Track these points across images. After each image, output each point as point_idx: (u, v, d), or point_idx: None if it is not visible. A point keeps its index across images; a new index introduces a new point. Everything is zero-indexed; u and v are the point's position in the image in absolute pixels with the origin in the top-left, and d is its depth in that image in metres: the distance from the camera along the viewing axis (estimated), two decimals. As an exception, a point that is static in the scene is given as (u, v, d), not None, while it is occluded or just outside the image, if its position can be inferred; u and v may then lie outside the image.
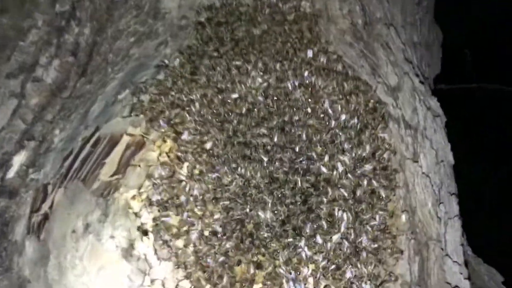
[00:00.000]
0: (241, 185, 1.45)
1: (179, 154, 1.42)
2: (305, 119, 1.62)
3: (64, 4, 2.00)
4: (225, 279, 1.29)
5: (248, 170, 1.49)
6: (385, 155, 1.61)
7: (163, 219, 1.32)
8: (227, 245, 1.35)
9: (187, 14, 1.89)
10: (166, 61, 1.66)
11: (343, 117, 1.62)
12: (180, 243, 1.30)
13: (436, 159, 1.87)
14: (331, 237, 1.44)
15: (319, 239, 1.44)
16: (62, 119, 1.78)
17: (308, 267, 1.40)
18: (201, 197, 1.38)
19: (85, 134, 1.58)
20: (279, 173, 1.52)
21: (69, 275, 1.30)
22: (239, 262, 1.35)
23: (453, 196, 1.90)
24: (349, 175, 1.53)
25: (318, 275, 1.40)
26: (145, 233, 1.30)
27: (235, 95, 1.60)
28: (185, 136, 1.45)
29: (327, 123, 1.62)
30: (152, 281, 1.27)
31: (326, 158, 1.55)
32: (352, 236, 1.46)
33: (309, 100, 1.65)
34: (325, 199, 1.50)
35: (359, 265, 1.42)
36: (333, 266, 1.41)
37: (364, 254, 1.44)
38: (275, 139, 1.57)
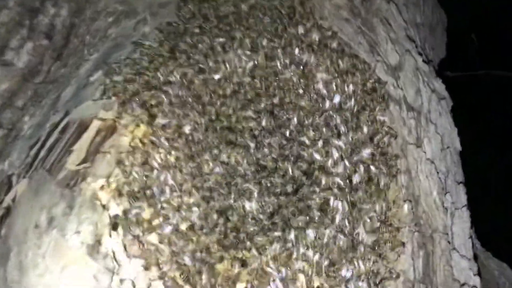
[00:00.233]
0: (224, 173, 1.31)
1: (153, 139, 1.27)
2: (296, 100, 1.47)
3: (38, -17, 1.86)
4: (204, 279, 1.14)
5: (232, 156, 1.34)
6: (385, 139, 1.45)
7: (134, 211, 1.17)
8: (207, 240, 1.20)
9: (168, -10, 1.74)
10: (143, 40, 1.51)
11: (338, 98, 1.47)
12: (153, 238, 1.16)
13: (441, 145, 1.72)
14: (324, 230, 1.29)
15: (311, 233, 1.29)
16: (33, 105, 1.64)
17: (299, 263, 1.26)
18: (177, 187, 1.23)
19: (54, 119, 1.43)
20: (268, 160, 1.38)
21: (30, 275, 1.16)
22: (221, 259, 1.21)
23: (460, 185, 1.74)
24: (345, 161, 1.38)
25: (310, 273, 1.25)
26: (113, 227, 1.15)
27: (218, 76, 1.45)
28: (160, 119, 1.30)
29: (321, 105, 1.46)
30: (121, 281, 1.13)
31: (320, 143, 1.40)
32: (348, 229, 1.31)
33: (301, 80, 1.49)
34: (317, 189, 1.35)
35: (356, 261, 1.27)
36: (326, 262, 1.26)
37: (361, 248, 1.29)
38: (263, 123, 1.42)
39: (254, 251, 1.25)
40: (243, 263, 1.24)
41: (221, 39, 1.49)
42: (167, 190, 1.22)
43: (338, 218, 1.32)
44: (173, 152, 1.26)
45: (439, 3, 2.89)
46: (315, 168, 1.38)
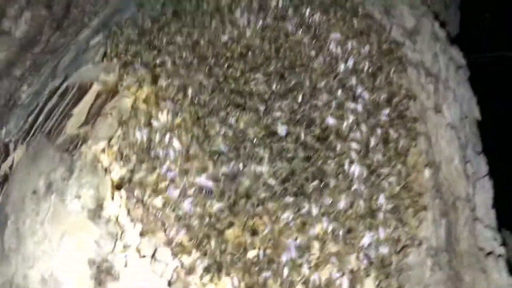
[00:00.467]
0: (232, 137, 1.23)
1: (157, 101, 1.19)
2: (308, 63, 1.39)
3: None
4: (213, 244, 1.07)
5: (241, 120, 1.25)
6: (404, 102, 1.37)
7: (137, 174, 1.10)
8: (216, 206, 1.12)
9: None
10: (146, 1, 1.43)
11: (353, 59, 1.38)
12: (158, 202, 1.08)
13: (460, 113, 1.63)
14: (340, 196, 1.21)
15: (326, 199, 1.21)
16: (31, 75, 1.56)
17: (313, 231, 1.18)
18: (183, 149, 1.15)
19: (53, 85, 1.36)
20: (278, 125, 1.30)
21: (28, 243, 1.09)
22: (230, 225, 1.13)
23: (480, 155, 1.65)
24: (361, 125, 1.30)
25: (326, 240, 1.17)
26: (117, 187, 1.08)
27: (225, 37, 1.37)
28: (164, 80, 1.22)
29: (335, 67, 1.38)
30: (125, 247, 1.06)
31: (334, 106, 1.32)
32: (366, 194, 1.22)
33: (313, 41, 1.41)
34: (332, 154, 1.27)
35: (375, 228, 1.19)
36: (343, 229, 1.18)
37: (381, 214, 1.21)
38: (273, 87, 1.34)
39: (265, 218, 1.17)
40: (254, 231, 1.16)
41: (228, -1, 1.41)
42: (172, 153, 1.14)
43: (355, 183, 1.24)
44: (178, 114, 1.18)
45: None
46: (329, 133, 1.30)
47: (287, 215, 1.18)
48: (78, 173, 1.12)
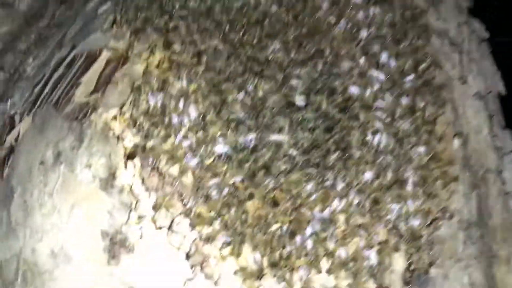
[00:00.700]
0: (251, 104, 1.16)
1: (171, 66, 1.12)
2: (328, 30, 1.32)
3: None
4: (233, 213, 1.00)
5: (259, 88, 1.19)
6: (430, 69, 1.29)
7: (152, 141, 1.03)
8: (235, 176, 1.06)
9: None
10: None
11: (375, 25, 1.31)
12: (174, 170, 1.02)
13: (485, 86, 1.55)
14: (365, 167, 1.14)
15: (350, 170, 1.14)
16: (37, 48, 1.50)
17: (338, 203, 1.11)
18: (199, 117, 1.08)
19: (60, 55, 1.29)
20: (296, 96, 1.22)
21: (35, 216, 1.02)
22: (250, 196, 1.06)
23: (506, 130, 1.58)
24: (386, 93, 1.22)
25: (350, 212, 1.10)
26: (130, 156, 1.01)
27: (240, 3, 1.30)
28: (177, 45, 1.15)
29: (356, 34, 1.31)
30: (140, 217, 0.99)
31: (357, 74, 1.24)
32: (393, 165, 1.16)
33: (332, 7, 1.34)
34: (356, 123, 1.20)
35: (403, 200, 1.12)
36: (369, 202, 1.12)
37: (409, 186, 1.14)
38: (292, 55, 1.27)
39: (287, 190, 1.10)
40: (275, 203, 1.10)
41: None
42: (188, 119, 1.07)
43: (380, 154, 1.17)
44: (193, 80, 1.11)
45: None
46: (352, 102, 1.23)
47: (310, 187, 1.11)
48: (88, 142, 1.05)
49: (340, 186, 1.12)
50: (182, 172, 1.01)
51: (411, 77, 1.23)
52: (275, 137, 1.14)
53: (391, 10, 1.33)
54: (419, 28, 1.37)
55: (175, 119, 1.06)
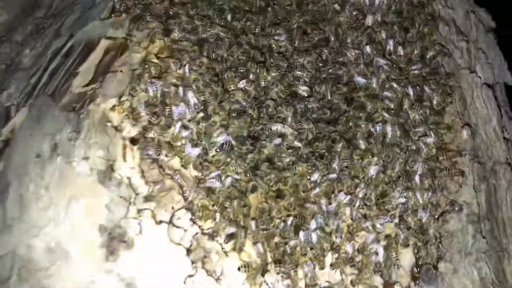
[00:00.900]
0: (254, 94, 1.12)
1: (171, 54, 1.09)
2: (333, 17, 1.28)
3: None
4: (235, 205, 0.96)
5: (261, 77, 1.15)
6: (438, 58, 1.25)
7: (152, 132, 0.99)
8: (238, 168, 1.02)
9: None
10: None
11: (381, 12, 1.27)
12: (175, 162, 0.98)
13: (492, 76, 1.51)
14: (372, 159, 1.11)
15: (357, 161, 1.11)
16: (34, 39, 1.46)
17: (343, 196, 1.07)
18: (200, 106, 1.05)
19: (57, 45, 1.25)
20: (299, 85, 1.19)
21: (32, 210, 0.99)
22: (254, 189, 1.03)
23: (513, 122, 1.53)
24: (393, 83, 1.19)
25: (357, 204, 1.07)
26: (132, 142, 0.98)
27: (242, -11, 1.25)
28: (178, 33, 1.12)
29: (362, 21, 1.27)
30: (139, 211, 0.95)
31: (363, 62, 1.21)
32: (401, 156, 1.12)
33: (337, -7, 1.30)
34: (362, 114, 1.16)
35: (411, 192, 1.08)
36: (375, 193, 1.08)
37: (417, 178, 1.10)
38: (296, 43, 1.23)
39: (291, 182, 1.07)
40: (279, 195, 1.06)
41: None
42: (189, 109, 1.03)
43: (387, 145, 1.13)
44: (194, 68, 1.07)
45: None
46: (358, 91, 1.20)
47: (314, 179, 1.08)
48: (86, 133, 1.02)
49: (346, 178, 1.09)
50: (183, 164, 0.98)
51: (418, 65, 1.19)
52: (278, 128, 1.10)
53: (398, -4, 1.29)
54: (427, 15, 1.33)
55: (174, 109, 1.03)
